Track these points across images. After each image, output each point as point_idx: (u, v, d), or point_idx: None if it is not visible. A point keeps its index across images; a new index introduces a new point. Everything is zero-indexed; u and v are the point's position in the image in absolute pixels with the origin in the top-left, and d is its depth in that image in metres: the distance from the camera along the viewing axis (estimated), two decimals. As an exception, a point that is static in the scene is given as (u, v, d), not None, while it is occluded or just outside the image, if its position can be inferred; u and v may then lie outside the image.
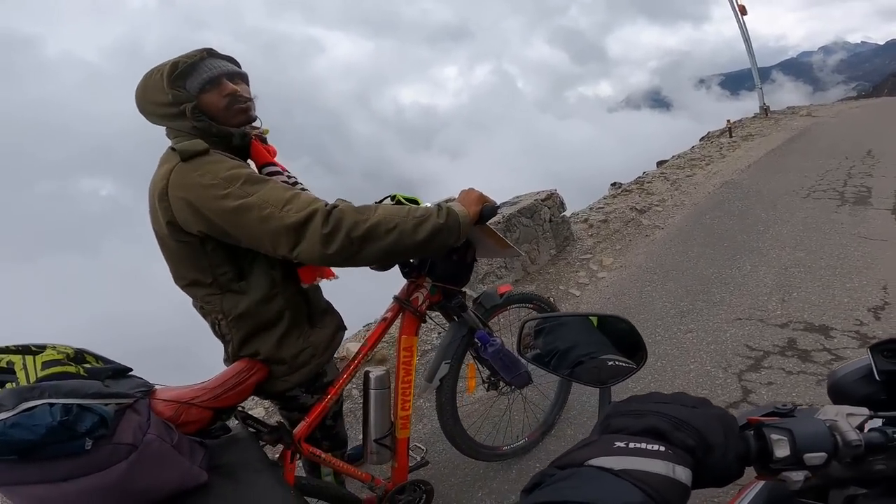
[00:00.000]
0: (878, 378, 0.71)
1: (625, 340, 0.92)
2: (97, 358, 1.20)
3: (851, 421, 0.53)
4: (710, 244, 4.37)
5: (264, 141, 1.53)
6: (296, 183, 1.52)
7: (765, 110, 14.49)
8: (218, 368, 1.45)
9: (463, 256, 1.76)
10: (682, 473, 0.44)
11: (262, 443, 1.39)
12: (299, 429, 1.53)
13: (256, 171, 1.41)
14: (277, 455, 1.47)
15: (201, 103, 1.34)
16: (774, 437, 0.51)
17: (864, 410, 0.56)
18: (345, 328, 1.74)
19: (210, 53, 1.39)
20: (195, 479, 1.17)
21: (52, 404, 1.00)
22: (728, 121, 11.67)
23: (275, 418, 2.12)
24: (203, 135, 1.35)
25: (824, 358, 2.60)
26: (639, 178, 7.73)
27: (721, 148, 9.21)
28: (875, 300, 3.10)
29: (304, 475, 1.57)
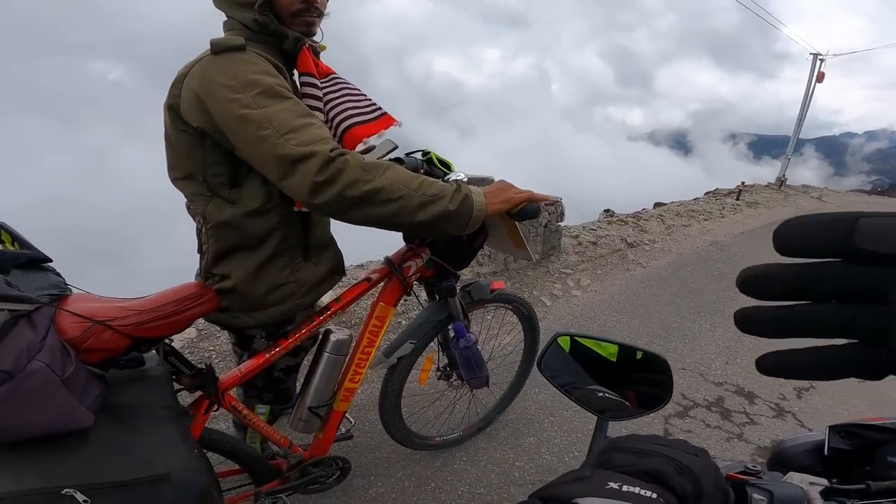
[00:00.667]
0: (826, 454, 0.72)
1: (630, 370, 0.90)
2: (14, 239, 1.04)
3: (814, 489, 0.55)
4: (682, 296, 4.65)
5: (316, 54, 1.38)
6: (339, 89, 1.40)
7: (781, 182, 14.70)
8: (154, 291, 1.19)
9: (473, 240, 1.60)
10: None
11: (178, 386, 1.23)
12: (229, 377, 1.37)
13: (288, 83, 1.26)
14: (191, 401, 1.31)
15: (274, 1, 1.24)
16: (756, 496, 0.52)
17: (824, 481, 0.58)
18: (342, 273, 1.59)
19: None
20: (76, 422, 0.97)
21: None
22: (742, 183, 11.89)
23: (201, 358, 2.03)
24: (260, 28, 1.24)
25: (741, 419, 2.89)
26: (637, 212, 7.96)
27: (724, 207, 9.45)
28: (803, 383, 3.40)
29: (213, 429, 1.40)
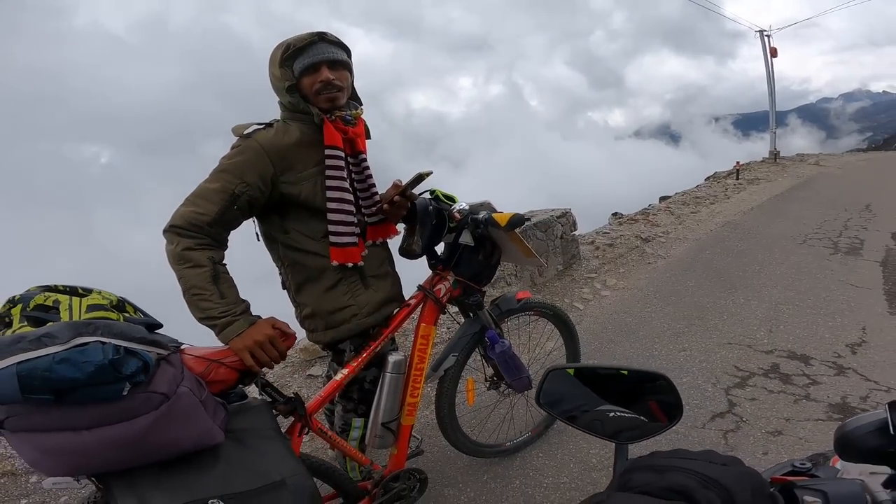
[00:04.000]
0: (892, 432, 0.70)
1: (647, 380, 0.91)
2: (136, 309, 1.23)
3: (875, 479, 0.52)
4: (708, 277, 4.68)
5: (346, 122, 1.61)
6: (361, 170, 1.67)
7: (774, 155, 14.85)
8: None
9: (489, 258, 1.87)
10: None
11: (275, 412, 1.42)
12: (313, 402, 1.58)
13: (314, 153, 1.57)
14: (287, 427, 1.49)
15: (300, 83, 1.52)
16: (808, 498, 0.48)
17: (887, 469, 0.54)
18: (400, 299, 1.82)
19: (321, 38, 1.52)
20: (213, 438, 1.17)
21: (103, 343, 0.99)
22: (738, 163, 12.01)
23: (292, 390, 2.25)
24: (292, 109, 1.55)
25: (803, 381, 2.89)
26: (644, 209, 8.06)
27: (727, 189, 9.55)
28: (853, 338, 3.39)
29: (310, 454, 1.61)
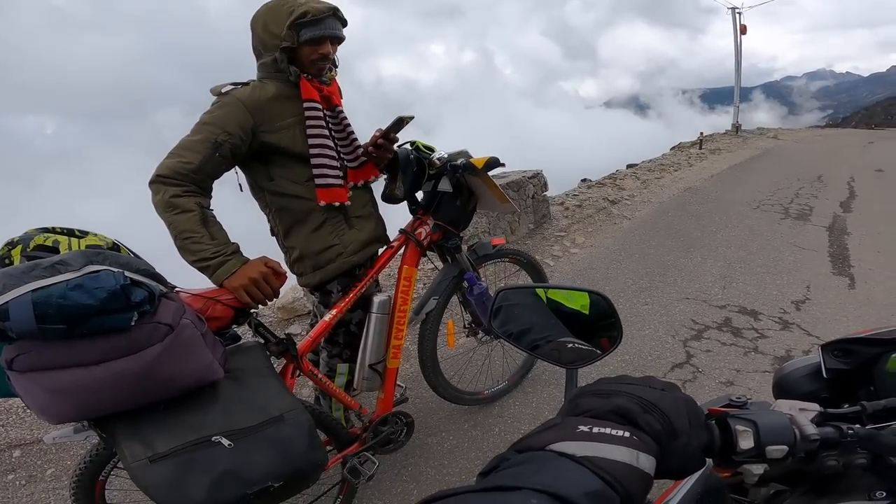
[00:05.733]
0: (825, 376, 0.72)
1: (600, 318, 0.92)
2: (129, 252, 1.24)
3: (805, 416, 0.54)
4: (670, 237, 4.91)
5: (322, 82, 1.70)
6: (339, 121, 1.73)
7: (736, 128, 15.31)
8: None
9: (466, 204, 1.97)
10: (646, 462, 0.43)
11: (268, 353, 1.46)
12: (303, 343, 1.62)
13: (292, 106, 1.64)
14: (279, 369, 1.52)
15: (298, 50, 1.59)
16: (740, 427, 0.51)
17: (816, 406, 0.57)
18: (385, 240, 1.90)
19: (334, 13, 1.61)
20: (214, 373, 1.19)
21: (113, 271, 1.01)
22: (701, 133, 12.34)
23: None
24: (271, 67, 1.61)
25: (752, 335, 3.14)
26: (612, 174, 8.25)
27: (690, 158, 9.83)
28: (798, 295, 3.68)
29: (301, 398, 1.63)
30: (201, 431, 1.14)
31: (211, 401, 1.20)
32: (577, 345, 0.86)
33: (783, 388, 0.76)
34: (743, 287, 3.81)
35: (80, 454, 1.42)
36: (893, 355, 0.67)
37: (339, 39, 1.67)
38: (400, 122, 1.73)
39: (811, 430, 0.51)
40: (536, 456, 0.42)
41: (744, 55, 16.43)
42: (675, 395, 0.51)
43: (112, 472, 1.40)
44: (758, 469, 0.51)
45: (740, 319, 3.33)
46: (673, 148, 12.17)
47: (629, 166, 9.61)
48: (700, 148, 11.19)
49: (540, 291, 0.97)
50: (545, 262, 4.22)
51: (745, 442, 0.50)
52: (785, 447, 0.50)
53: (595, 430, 0.44)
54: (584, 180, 8.40)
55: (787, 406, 0.56)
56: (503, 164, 1.92)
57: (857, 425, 0.55)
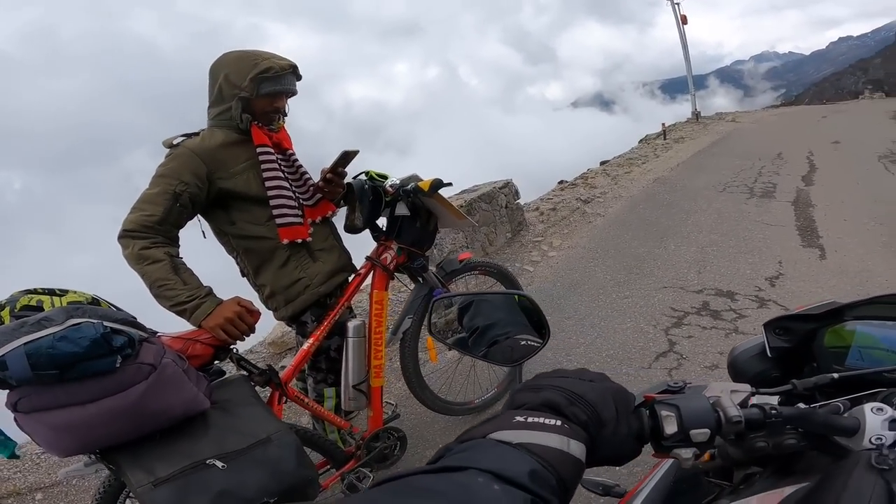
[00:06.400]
0: (769, 355, 0.73)
1: (530, 318, 0.96)
2: (109, 305, 1.35)
3: (735, 398, 0.54)
4: (643, 229, 5.03)
5: (271, 130, 1.78)
6: (291, 163, 1.83)
7: (696, 115, 15.69)
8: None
9: (426, 225, 2.04)
10: (577, 448, 0.46)
11: (252, 383, 1.55)
12: (285, 372, 1.71)
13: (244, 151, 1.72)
14: (266, 399, 1.62)
15: (253, 99, 1.67)
16: (664, 413, 0.52)
17: (746, 387, 0.57)
18: (351, 269, 1.99)
19: (293, 71, 1.74)
20: (200, 404, 1.30)
21: (93, 322, 1.12)
22: (663, 124, 12.64)
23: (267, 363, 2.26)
24: (222, 115, 1.70)
25: (731, 316, 3.23)
26: (584, 173, 8.41)
27: (656, 149, 10.07)
28: (771, 272, 3.79)
29: (297, 424, 1.75)
30: (196, 456, 1.24)
31: (202, 429, 1.30)
32: (528, 341, 0.92)
33: (736, 370, 0.78)
34: (717, 269, 3.91)
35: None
36: (828, 330, 0.69)
37: (293, 94, 1.79)
38: (346, 157, 1.81)
39: (734, 412, 0.51)
40: (478, 443, 0.46)
41: (692, 44, 16.88)
42: (604, 385, 0.53)
43: (126, 501, 1.52)
44: (687, 453, 0.51)
45: (718, 302, 3.42)
46: (641, 141, 12.45)
47: (602, 163, 9.81)
48: (665, 138, 11.45)
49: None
50: (525, 269, 4.29)
51: (670, 427, 0.51)
52: (707, 430, 0.50)
53: (529, 419, 0.47)
54: (560, 182, 8.55)
55: (718, 388, 0.56)
56: (449, 184, 2.01)
57: (801, 403, 0.56)
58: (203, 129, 1.75)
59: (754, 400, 0.56)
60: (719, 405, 0.52)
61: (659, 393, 0.56)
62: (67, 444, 1.18)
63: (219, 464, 1.24)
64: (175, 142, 1.67)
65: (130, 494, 1.48)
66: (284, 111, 1.80)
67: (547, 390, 0.52)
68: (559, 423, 0.47)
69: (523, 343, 0.92)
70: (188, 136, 1.70)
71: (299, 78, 1.80)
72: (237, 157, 1.71)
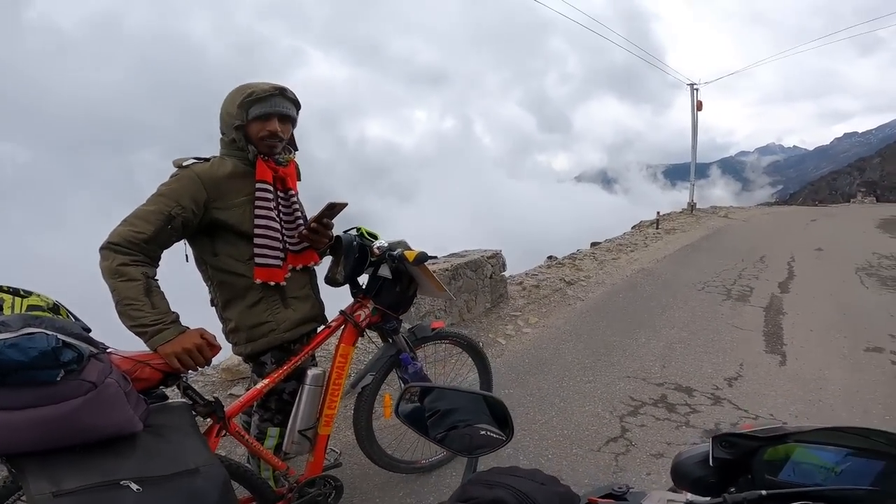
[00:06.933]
0: (711, 464, 0.76)
1: (493, 413, 0.99)
2: (69, 313, 1.36)
3: None
4: (618, 318, 5.22)
5: (278, 163, 1.85)
6: (290, 204, 1.87)
7: (691, 207, 16.23)
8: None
9: (405, 290, 2.09)
10: None
11: (194, 413, 1.53)
12: (232, 406, 1.71)
13: (247, 184, 1.78)
14: (205, 429, 1.58)
15: (248, 126, 1.75)
16: None
17: (683, 497, 0.62)
18: (321, 321, 2.02)
19: (281, 92, 1.76)
20: (133, 426, 1.28)
21: (47, 334, 1.12)
22: (658, 213, 13.11)
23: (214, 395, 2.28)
24: (231, 145, 1.78)
25: (685, 410, 3.36)
26: (572, 254, 8.71)
27: (646, 238, 10.44)
28: (731, 373, 3.95)
29: (227, 457, 1.73)
30: (111, 475, 1.21)
31: (128, 449, 1.28)
32: (488, 432, 0.94)
33: (677, 474, 0.82)
34: (681, 366, 4.08)
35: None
36: (769, 449, 0.74)
37: (290, 118, 1.82)
38: (332, 208, 1.86)
39: None
40: None
41: (703, 129, 17.43)
42: (553, 489, 0.56)
43: None
44: None
45: (675, 396, 3.56)
46: (634, 227, 12.87)
47: (593, 244, 10.13)
48: (657, 227, 11.87)
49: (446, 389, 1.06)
50: (497, 342, 4.46)
51: None
52: None
53: None
54: (550, 258, 8.82)
55: (656, 497, 0.61)
56: (434, 257, 2.12)
57: None
58: (215, 156, 1.80)
59: None
60: None
61: (602, 497, 0.60)
62: None
63: (133, 486, 1.21)
64: (185, 163, 1.70)
65: (21, 499, 1.45)
66: (282, 136, 1.80)
67: (498, 488, 0.54)
68: None
69: (483, 433, 0.93)
70: (199, 160, 1.74)
71: (296, 104, 1.83)
72: (240, 190, 1.75)
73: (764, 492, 0.63)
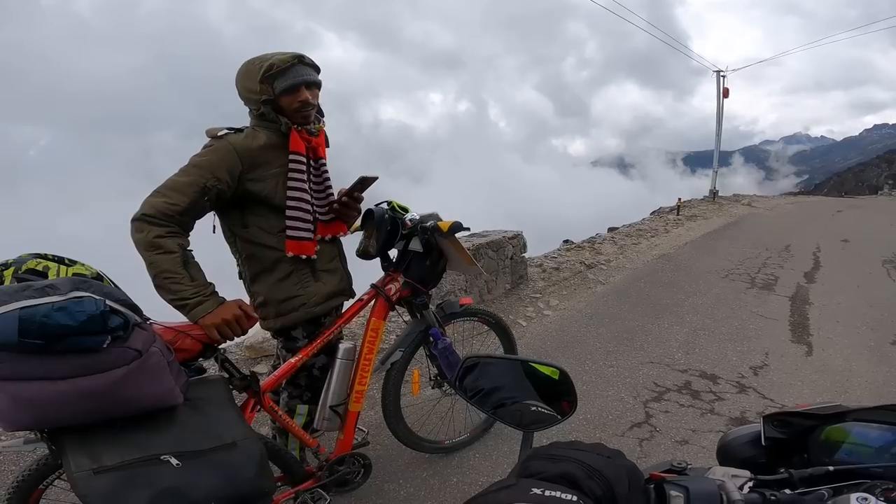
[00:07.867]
0: (763, 444, 0.76)
1: (558, 388, 0.96)
2: (111, 283, 1.35)
3: (735, 482, 0.58)
4: (640, 303, 5.16)
5: (311, 133, 1.82)
6: (320, 174, 1.86)
7: (713, 194, 15.93)
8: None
9: (435, 264, 2.08)
10: None
11: (231, 387, 1.53)
12: (267, 381, 1.72)
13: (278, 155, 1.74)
14: (240, 404, 1.59)
15: (279, 101, 1.70)
16: (673, 493, 0.54)
17: (747, 473, 0.61)
18: (350, 294, 2.02)
19: (300, 60, 1.70)
20: (174, 398, 1.27)
21: (96, 298, 1.10)
22: (679, 199, 12.86)
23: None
24: (262, 118, 1.73)
25: (710, 398, 3.31)
26: (591, 238, 8.60)
27: (667, 224, 10.26)
28: (756, 361, 3.89)
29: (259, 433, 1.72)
30: (151, 450, 1.21)
31: (167, 423, 1.28)
32: (539, 408, 0.92)
33: (725, 454, 0.81)
34: (705, 353, 4.02)
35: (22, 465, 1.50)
36: (828, 428, 0.73)
37: (315, 84, 1.78)
38: (363, 182, 1.86)
39: (737, 496, 0.54)
40: None
41: (726, 118, 16.99)
42: (620, 462, 0.55)
43: (54, 483, 1.47)
44: None
45: (700, 383, 3.52)
46: (653, 213, 12.67)
47: (610, 229, 10.00)
48: (678, 214, 11.66)
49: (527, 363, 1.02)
50: (518, 323, 4.43)
51: None
52: None
53: (547, 493, 0.48)
54: (565, 241, 8.73)
55: (720, 472, 0.60)
56: (467, 228, 2.06)
57: (787, 490, 0.59)
58: (247, 127, 1.76)
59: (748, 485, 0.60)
60: (724, 489, 0.55)
61: (664, 472, 0.60)
62: (22, 417, 1.13)
63: (174, 461, 1.21)
64: (220, 133, 1.67)
65: (61, 477, 1.44)
66: (313, 103, 1.77)
67: (565, 462, 0.53)
68: (575, 498, 0.48)
69: (533, 409, 0.92)
70: (233, 130, 1.71)
71: (316, 68, 1.77)
72: (273, 161, 1.73)
73: (831, 468, 0.62)
